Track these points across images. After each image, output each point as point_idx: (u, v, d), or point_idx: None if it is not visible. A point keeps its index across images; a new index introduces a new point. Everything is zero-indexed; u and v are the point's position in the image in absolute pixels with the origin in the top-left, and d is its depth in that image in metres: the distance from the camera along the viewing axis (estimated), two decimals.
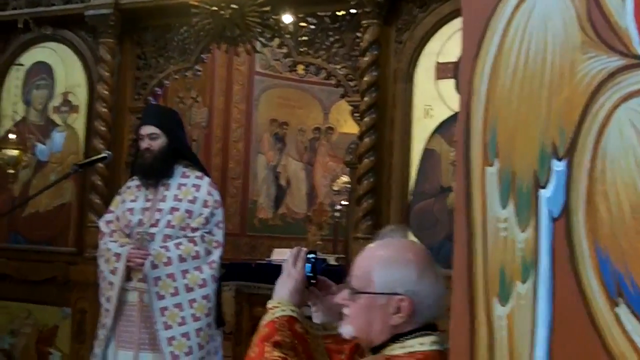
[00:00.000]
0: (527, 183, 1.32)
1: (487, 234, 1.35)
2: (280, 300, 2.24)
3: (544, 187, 1.30)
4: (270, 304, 2.26)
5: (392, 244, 2.12)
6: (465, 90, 1.42)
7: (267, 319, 2.20)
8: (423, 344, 1.98)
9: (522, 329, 1.29)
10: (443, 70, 5.10)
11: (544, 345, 1.28)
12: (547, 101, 1.31)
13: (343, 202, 9.06)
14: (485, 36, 1.38)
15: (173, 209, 4.45)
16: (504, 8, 1.38)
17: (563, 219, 1.28)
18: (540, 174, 1.31)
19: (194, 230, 4.43)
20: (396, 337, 2.00)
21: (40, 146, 6.21)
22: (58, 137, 6.17)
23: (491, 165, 1.35)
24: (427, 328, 2.03)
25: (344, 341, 2.29)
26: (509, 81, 1.36)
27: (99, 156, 4.81)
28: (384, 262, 2.06)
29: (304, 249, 2.35)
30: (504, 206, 1.33)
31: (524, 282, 1.29)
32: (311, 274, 2.29)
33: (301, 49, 5.55)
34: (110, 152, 4.62)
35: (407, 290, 2.01)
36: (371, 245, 2.15)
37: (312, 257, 2.33)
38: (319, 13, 5.53)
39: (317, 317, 2.38)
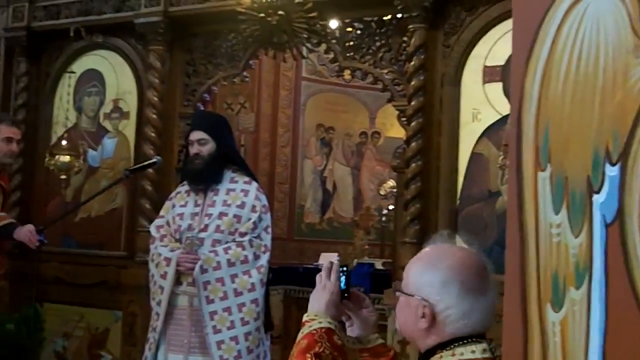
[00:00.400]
0: (580, 188, 1.30)
1: (540, 239, 1.34)
2: (317, 312, 2.24)
3: (597, 192, 1.29)
4: (306, 317, 2.25)
5: (437, 248, 2.12)
6: (517, 95, 1.41)
7: (304, 331, 2.20)
8: (474, 351, 1.96)
9: (576, 336, 1.28)
10: (490, 74, 5.07)
11: (597, 352, 1.27)
12: (600, 105, 1.30)
13: (390, 207, 9.04)
14: (536, 40, 1.37)
15: (222, 214, 4.48)
16: (556, 11, 1.37)
17: (617, 224, 1.27)
18: (594, 179, 1.30)
19: (243, 235, 4.45)
20: (447, 344, 1.98)
21: (91, 152, 6.31)
22: (109, 143, 6.27)
23: (543, 170, 1.35)
24: (479, 336, 2.00)
25: (380, 354, 2.31)
26: (561, 85, 1.35)
27: (149, 161, 4.88)
28: (418, 265, 2.09)
29: (337, 262, 2.35)
30: (557, 212, 1.32)
31: (577, 288, 1.28)
32: (344, 288, 2.28)
33: (348, 54, 5.56)
34: (160, 158, 4.68)
35: (429, 297, 2.01)
36: (425, 248, 2.16)
37: (344, 271, 2.32)
38: (365, 18, 5.54)
39: (352, 331, 2.37)
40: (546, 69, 1.38)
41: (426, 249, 2.13)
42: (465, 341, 1.98)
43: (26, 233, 4.78)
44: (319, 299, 2.26)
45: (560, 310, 1.30)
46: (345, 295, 2.31)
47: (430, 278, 2.02)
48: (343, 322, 2.38)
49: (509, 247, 1.39)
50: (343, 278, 2.29)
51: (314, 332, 2.18)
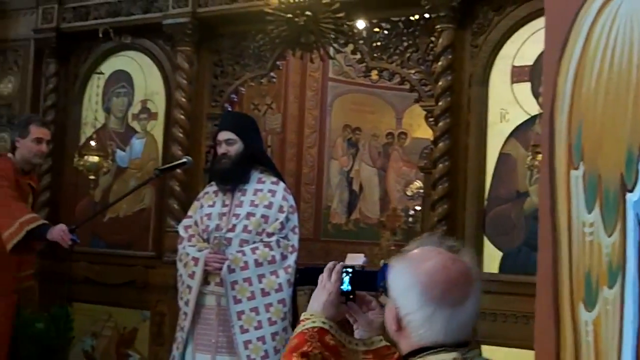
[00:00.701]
0: (614, 187, 1.29)
1: (572, 238, 1.33)
2: (313, 312, 2.24)
3: (631, 191, 1.28)
4: (303, 316, 2.26)
5: (418, 252, 2.04)
6: (549, 93, 1.40)
7: (297, 330, 2.21)
8: None
9: (609, 335, 1.27)
10: (519, 74, 5.05)
11: (631, 352, 1.25)
12: (634, 103, 1.29)
13: (416, 207, 9.02)
14: (569, 38, 1.36)
15: (249, 214, 4.49)
16: (589, 9, 1.36)
17: None
18: (627, 177, 1.28)
19: (270, 235, 4.46)
20: (417, 352, 1.94)
21: (120, 152, 6.36)
22: (137, 144, 6.31)
23: (576, 168, 1.34)
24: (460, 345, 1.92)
25: (384, 356, 2.27)
26: (594, 83, 1.34)
27: (179, 161, 4.90)
28: (395, 265, 2.04)
29: (341, 263, 2.32)
30: (589, 210, 1.31)
31: (610, 287, 1.27)
32: (350, 289, 2.25)
33: (375, 55, 5.56)
34: (190, 158, 4.70)
35: (396, 300, 1.98)
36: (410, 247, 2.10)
37: (351, 271, 2.29)
38: (392, 18, 5.53)
39: (358, 333, 2.35)
40: (579, 67, 1.37)
41: (412, 251, 2.05)
42: (434, 350, 1.91)
43: (59, 232, 4.82)
44: (318, 299, 2.27)
45: (593, 310, 1.29)
46: (351, 296, 2.28)
47: (397, 281, 1.98)
48: (348, 322, 2.37)
49: (541, 246, 1.38)
50: (347, 279, 2.27)
51: (306, 331, 2.18)
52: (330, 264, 2.32)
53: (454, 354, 1.88)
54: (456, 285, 1.91)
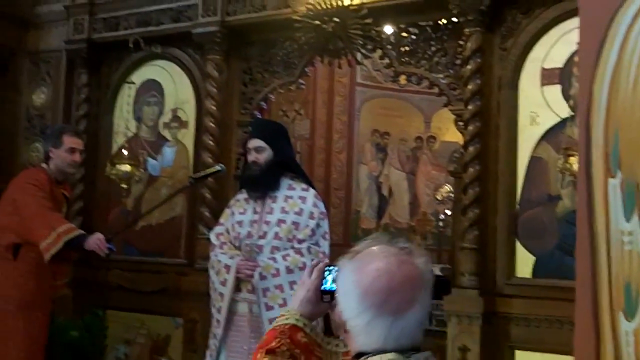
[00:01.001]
0: None
1: (611, 247, 1.32)
2: (290, 309, 2.21)
3: None
4: (280, 312, 2.26)
5: (365, 254, 1.91)
6: (584, 100, 1.39)
7: (270, 327, 2.19)
8: None
9: None
10: (549, 76, 5.02)
11: None
12: None
13: (447, 212, 9.00)
14: (604, 44, 1.35)
15: (280, 221, 4.49)
16: (625, 14, 1.35)
17: None
18: None
19: (301, 241, 4.46)
20: (360, 355, 1.86)
21: (151, 161, 6.41)
22: (168, 152, 6.36)
23: (613, 176, 1.32)
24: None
25: None
26: (631, 89, 1.33)
27: (214, 169, 4.92)
28: (340, 268, 1.96)
29: (325, 261, 2.29)
30: (628, 219, 1.30)
31: None
32: (333, 287, 2.14)
33: (403, 59, 5.56)
34: (223, 166, 4.72)
35: (339, 302, 1.91)
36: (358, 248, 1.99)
37: (335, 270, 2.18)
38: (420, 23, 5.52)
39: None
40: (615, 74, 1.36)
41: (359, 252, 1.92)
42: (375, 354, 1.83)
43: (95, 242, 4.86)
44: (296, 295, 2.23)
45: (633, 320, 1.28)
46: (336, 295, 2.18)
47: (341, 284, 1.92)
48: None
49: (579, 254, 1.37)
50: (331, 277, 2.19)
51: (277, 327, 2.15)
52: (314, 261, 2.28)
53: (390, 355, 1.80)
54: (399, 292, 1.81)
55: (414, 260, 1.85)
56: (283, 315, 2.19)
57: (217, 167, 4.99)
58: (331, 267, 2.20)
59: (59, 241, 4.74)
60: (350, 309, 1.84)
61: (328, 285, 2.17)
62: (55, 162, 5.06)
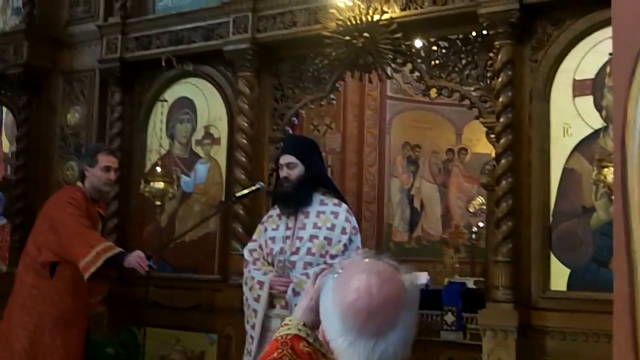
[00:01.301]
0: None
1: None
2: (292, 318, 2.15)
3: None
4: (284, 321, 2.19)
5: (346, 271, 1.84)
6: (619, 120, 1.39)
7: (273, 337, 2.14)
8: None
9: None
10: (580, 87, 5.00)
11: None
12: None
13: (479, 224, 8.96)
14: (637, 65, 1.36)
15: (312, 237, 4.50)
16: None
17: None
18: None
19: (333, 257, 4.46)
20: None
21: (184, 178, 6.46)
22: (201, 169, 6.41)
23: None
24: None
25: None
26: None
27: (253, 187, 4.93)
28: (323, 286, 1.90)
29: (329, 267, 2.25)
30: None
31: None
32: None
33: (433, 73, 5.56)
34: (262, 184, 4.74)
35: (322, 320, 1.88)
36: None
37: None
38: (450, 36, 5.53)
39: None
40: None
41: (341, 270, 1.86)
42: None
43: (136, 259, 4.88)
44: (300, 304, 2.18)
45: None
46: None
47: (323, 303, 1.86)
48: None
49: (617, 272, 1.36)
50: None
51: (279, 338, 2.09)
52: (317, 269, 2.24)
53: None
54: (379, 314, 1.73)
55: (399, 277, 1.78)
56: (286, 324, 2.14)
57: (257, 185, 5.01)
58: (335, 275, 2.19)
59: (99, 259, 4.78)
60: (332, 329, 1.79)
61: None
62: (90, 181, 5.10)
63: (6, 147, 7.82)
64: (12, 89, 7.41)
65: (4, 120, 7.88)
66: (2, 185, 7.62)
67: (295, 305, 4.25)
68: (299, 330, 2.09)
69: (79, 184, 5.15)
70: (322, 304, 1.85)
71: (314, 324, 2.09)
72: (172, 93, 6.66)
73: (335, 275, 1.84)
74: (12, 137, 7.59)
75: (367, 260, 1.83)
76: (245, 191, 5.10)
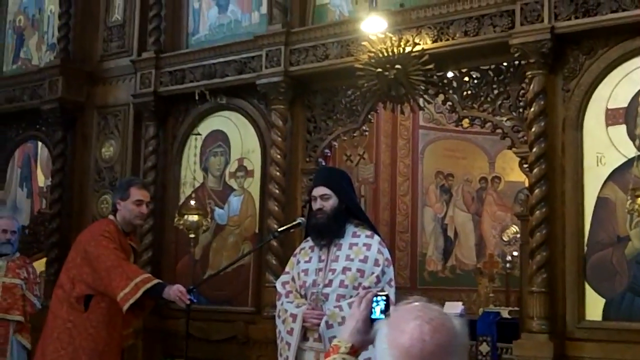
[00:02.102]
0: None
1: None
2: (340, 339, 2.24)
3: None
4: (334, 342, 2.27)
5: (399, 315, 1.92)
6: None
7: None
8: None
9: None
10: (613, 116, 5.00)
11: None
12: None
13: (514, 253, 8.90)
14: None
15: (345, 269, 4.47)
16: None
17: None
18: None
19: (366, 289, 4.45)
20: None
21: (218, 210, 6.51)
22: (235, 201, 6.46)
23: None
24: None
25: None
26: None
27: (294, 222, 4.92)
28: (378, 327, 1.97)
29: (373, 291, 2.30)
30: None
31: None
32: (382, 317, 2.19)
33: (466, 103, 5.57)
34: (304, 219, 4.74)
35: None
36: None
37: (384, 299, 2.26)
38: (482, 66, 5.55)
39: None
40: None
41: (395, 313, 1.95)
42: None
43: (176, 292, 4.88)
44: (346, 325, 2.27)
45: None
46: None
47: (378, 343, 1.91)
48: None
49: None
50: (379, 307, 2.24)
51: None
52: (362, 292, 2.32)
53: None
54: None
55: (450, 324, 1.85)
56: (336, 345, 2.22)
57: (298, 220, 5.01)
58: (378, 298, 2.25)
59: (138, 291, 4.79)
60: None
61: (377, 314, 2.21)
62: (122, 214, 5.14)
63: (41, 181, 7.97)
64: (47, 123, 7.55)
65: (39, 155, 8.02)
66: (37, 218, 7.74)
67: (330, 337, 4.27)
68: (343, 359, 2.19)
69: (111, 217, 5.20)
70: (378, 346, 1.90)
71: (362, 344, 2.20)
72: (206, 126, 6.74)
73: (386, 321, 1.92)
74: (47, 172, 7.72)
75: (418, 305, 1.90)
76: (287, 226, 5.10)
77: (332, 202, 4.56)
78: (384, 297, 2.27)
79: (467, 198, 11.09)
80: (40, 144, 8.01)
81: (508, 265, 9.21)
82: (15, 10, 8.28)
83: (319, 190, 4.60)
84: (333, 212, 4.55)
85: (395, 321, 1.88)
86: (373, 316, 2.22)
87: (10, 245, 6.48)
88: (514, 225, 9.31)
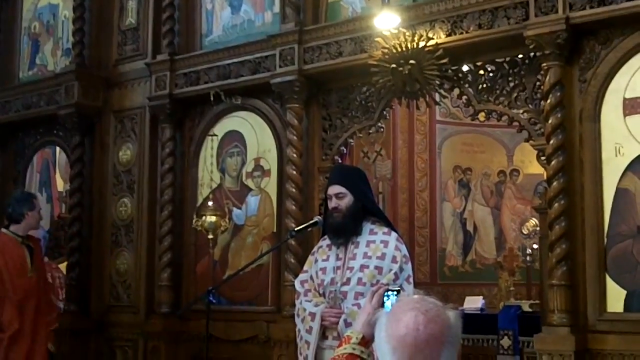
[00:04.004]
0: None
1: None
2: (353, 330, 2.47)
3: None
4: (347, 333, 2.50)
5: (397, 307, 2.02)
6: None
7: (334, 354, 2.44)
8: None
9: None
10: (631, 106, 4.96)
11: None
12: None
13: (534, 245, 8.84)
14: None
15: (363, 267, 4.46)
16: None
17: None
18: None
19: (385, 285, 4.44)
20: None
21: (236, 211, 6.52)
22: (252, 201, 6.47)
23: None
24: None
25: None
26: None
27: (311, 222, 4.91)
28: (378, 318, 2.05)
29: (385, 286, 2.48)
30: None
31: None
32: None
33: (481, 97, 5.55)
34: (320, 218, 4.74)
35: (375, 348, 2.02)
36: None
37: (396, 293, 2.41)
38: (497, 59, 5.52)
39: None
40: None
41: (399, 302, 2.07)
42: None
43: None
44: (358, 320, 2.51)
45: None
46: None
47: (377, 333, 2.00)
48: None
49: None
50: (390, 300, 2.39)
51: (337, 357, 2.40)
52: (374, 288, 2.50)
53: None
54: (425, 348, 1.90)
55: (444, 315, 1.94)
56: (349, 336, 2.43)
57: (315, 219, 5.01)
58: (389, 293, 2.41)
59: None
60: (384, 358, 1.95)
61: (388, 308, 2.31)
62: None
63: (60, 185, 8.00)
64: (64, 129, 7.60)
65: (57, 160, 8.05)
66: (57, 223, 7.78)
67: None
68: (354, 349, 2.40)
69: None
70: (377, 335, 1.99)
71: (371, 335, 2.36)
72: (222, 127, 6.75)
73: (385, 313, 2.02)
74: (65, 176, 7.75)
75: (416, 297, 2.00)
76: (304, 225, 5.09)
77: (347, 200, 4.56)
78: (395, 292, 2.42)
79: (485, 192, 11.02)
80: (58, 149, 8.05)
81: (528, 258, 9.14)
82: (29, 17, 8.33)
83: (334, 189, 4.60)
84: (349, 211, 4.55)
85: (393, 312, 1.99)
86: (385, 309, 2.32)
87: None
88: (533, 218, 9.23)
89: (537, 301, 7.40)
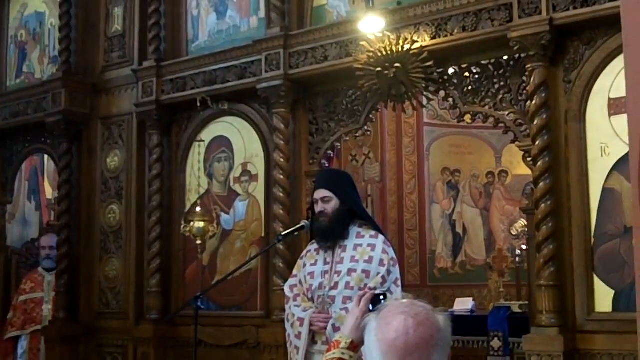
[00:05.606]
0: None
1: None
2: (342, 335, 2.50)
3: None
4: (336, 337, 2.53)
5: (387, 311, 2.02)
6: (636, 135, 1.39)
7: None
8: None
9: None
10: (616, 106, 4.97)
11: None
12: None
13: (523, 246, 8.86)
14: None
15: (351, 271, 4.46)
16: None
17: None
18: None
19: (372, 290, 4.44)
20: None
21: (224, 216, 6.52)
22: (240, 206, 6.47)
23: None
24: None
25: None
26: None
27: (298, 226, 4.92)
28: (367, 322, 2.06)
29: (372, 291, 2.51)
30: None
31: None
32: None
33: (467, 99, 5.56)
34: (307, 222, 4.75)
35: (365, 353, 2.05)
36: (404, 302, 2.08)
37: (382, 298, 2.46)
38: (481, 61, 5.53)
39: None
40: None
41: (389, 307, 2.04)
42: None
43: None
44: (346, 324, 2.52)
45: None
46: None
47: (366, 337, 2.01)
48: None
49: None
50: (378, 303, 2.42)
51: None
52: (361, 292, 2.56)
53: None
54: (414, 353, 1.91)
55: (433, 319, 1.95)
56: (338, 340, 2.46)
57: (302, 224, 5.02)
58: (380, 295, 2.47)
59: None
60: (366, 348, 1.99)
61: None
62: None
63: (49, 193, 7.99)
64: (52, 136, 7.58)
65: (46, 168, 8.05)
66: (46, 231, 7.77)
67: None
68: (343, 353, 2.44)
69: None
70: (366, 339, 2.01)
71: (359, 340, 2.38)
72: (209, 133, 6.75)
73: (374, 317, 2.03)
74: (54, 184, 7.74)
75: (405, 301, 2.02)
76: (291, 230, 5.10)
77: (333, 204, 4.56)
78: (382, 296, 2.46)
79: (474, 193, 11.04)
80: (46, 156, 8.05)
81: (518, 259, 9.15)
82: (16, 26, 8.31)
83: (320, 193, 4.61)
84: (335, 214, 4.55)
85: (383, 315, 1.99)
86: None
87: (51, 260, 7.13)
88: (522, 219, 9.25)
89: (526, 302, 7.43)
